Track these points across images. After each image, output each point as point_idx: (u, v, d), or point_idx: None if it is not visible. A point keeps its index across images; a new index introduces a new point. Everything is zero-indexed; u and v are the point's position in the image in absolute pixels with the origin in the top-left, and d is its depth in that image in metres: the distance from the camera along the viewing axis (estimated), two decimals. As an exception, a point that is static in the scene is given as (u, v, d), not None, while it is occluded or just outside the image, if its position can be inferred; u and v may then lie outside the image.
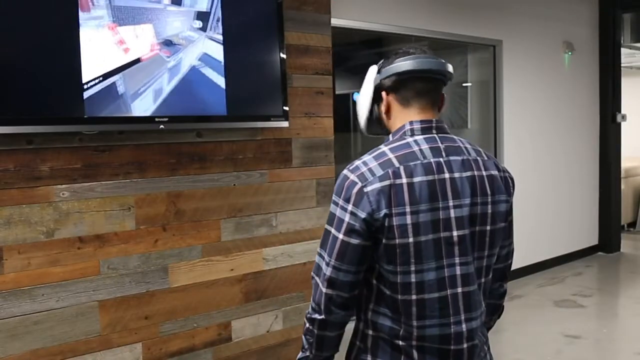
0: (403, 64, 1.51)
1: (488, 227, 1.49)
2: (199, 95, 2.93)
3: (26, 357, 2.63)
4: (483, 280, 1.52)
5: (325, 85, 3.61)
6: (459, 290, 1.45)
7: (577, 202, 6.45)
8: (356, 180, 1.43)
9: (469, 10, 5.15)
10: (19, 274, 2.60)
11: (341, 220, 1.42)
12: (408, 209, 1.39)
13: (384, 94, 1.56)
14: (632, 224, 8.15)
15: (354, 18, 4.21)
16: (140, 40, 2.74)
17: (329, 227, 1.46)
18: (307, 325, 1.51)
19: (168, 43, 2.82)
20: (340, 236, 1.42)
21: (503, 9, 5.48)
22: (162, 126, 2.82)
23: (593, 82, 6.55)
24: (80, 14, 2.56)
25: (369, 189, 1.40)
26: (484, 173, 1.49)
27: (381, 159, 1.45)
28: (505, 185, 1.54)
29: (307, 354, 1.54)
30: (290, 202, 3.47)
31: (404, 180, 1.40)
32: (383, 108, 1.57)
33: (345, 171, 1.48)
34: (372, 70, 1.60)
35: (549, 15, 5.93)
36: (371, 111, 1.60)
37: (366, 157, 1.48)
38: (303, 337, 1.55)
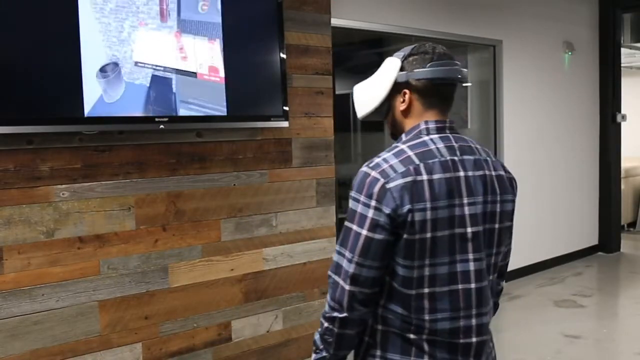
0: (438, 71, 1.52)
1: (497, 225, 1.54)
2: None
3: (26, 357, 2.63)
4: (491, 277, 1.57)
5: (325, 85, 3.61)
6: (473, 285, 1.49)
7: (577, 202, 6.45)
8: (378, 176, 1.44)
9: (469, 10, 5.15)
10: (19, 274, 2.60)
11: (364, 217, 1.43)
12: (428, 205, 1.43)
13: (407, 91, 1.55)
14: (632, 224, 8.15)
15: (354, 18, 4.21)
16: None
17: (349, 225, 1.46)
18: (326, 324, 1.50)
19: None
20: (364, 232, 1.43)
21: (503, 9, 5.48)
22: (162, 126, 2.82)
23: (593, 82, 6.55)
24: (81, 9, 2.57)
25: (391, 185, 1.42)
26: (493, 173, 1.54)
27: (401, 156, 1.47)
28: (510, 185, 1.59)
29: (324, 354, 1.53)
30: (290, 202, 3.47)
31: (425, 177, 1.44)
32: (402, 105, 1.56)
33: (365, 168, 1.48)
34: (393, 62, 1.56)
35: (549, 15, 5.92)
36: (383, 103, 1.57)
37: (385, 155, 1.49)
38: (318, 337, 1.54)
